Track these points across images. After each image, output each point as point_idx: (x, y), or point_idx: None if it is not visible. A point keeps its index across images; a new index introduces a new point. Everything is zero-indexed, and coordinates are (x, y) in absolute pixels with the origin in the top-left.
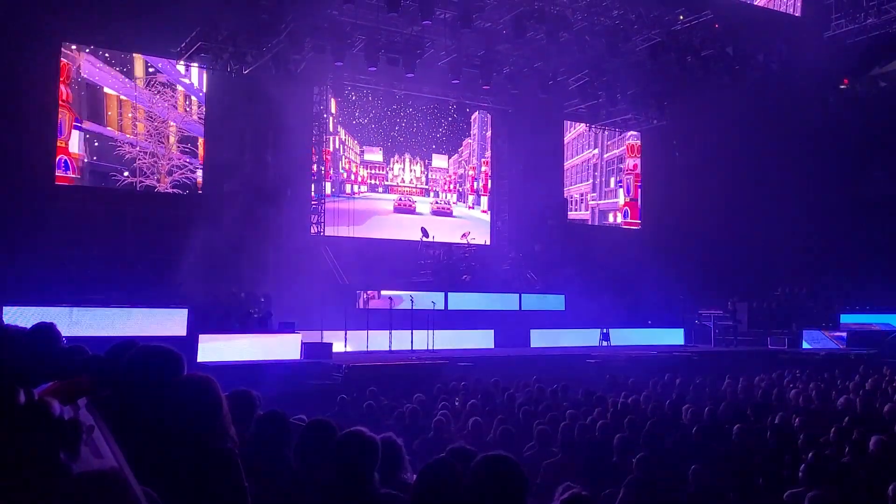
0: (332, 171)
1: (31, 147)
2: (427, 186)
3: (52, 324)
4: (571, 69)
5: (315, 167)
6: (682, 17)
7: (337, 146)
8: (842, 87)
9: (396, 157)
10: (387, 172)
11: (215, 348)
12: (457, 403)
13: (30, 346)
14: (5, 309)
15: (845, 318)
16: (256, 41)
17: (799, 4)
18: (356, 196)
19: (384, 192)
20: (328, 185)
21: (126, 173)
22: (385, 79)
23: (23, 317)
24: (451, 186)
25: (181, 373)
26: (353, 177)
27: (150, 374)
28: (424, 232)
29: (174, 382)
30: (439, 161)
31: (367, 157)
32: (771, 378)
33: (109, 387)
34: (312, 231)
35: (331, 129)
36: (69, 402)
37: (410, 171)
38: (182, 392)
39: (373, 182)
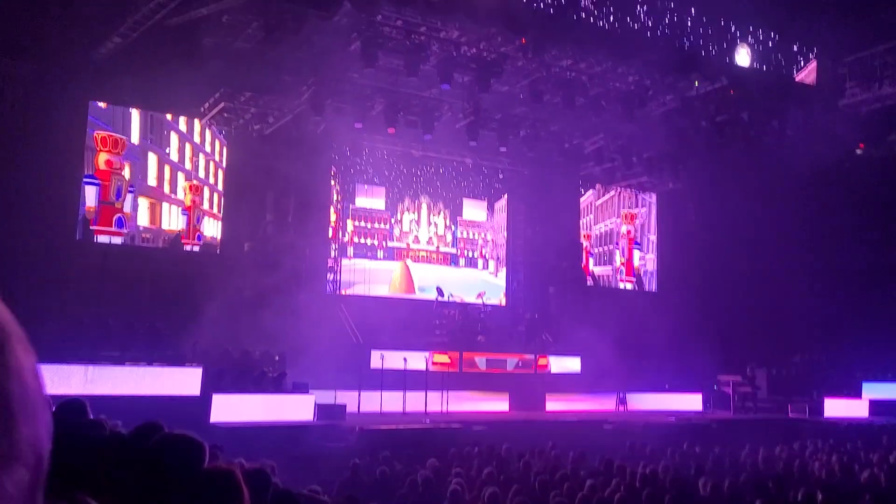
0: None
1: (52, 204)
2: (455, 250)
3: (83, 401)
4: (587, 132)
5: (332, 226)
6: (696, 84)
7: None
8: (858, 151)
9: (408, 202)
10: (392, 227)
11: (229, 408)
12: (476, 450)
13: (59, 420)
14: None
15: (868, 386)
16: (278, 102)
17: (813, 74)
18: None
19: (386, 257)
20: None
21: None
22: (402, 140)
23: None
24: (491, 250)
25: (203, 464)
26: (346, 236)
27: (176, 462)
28: (440, 291)
29: (198, 474)
30: (474, 211)
31: (361, 202)
32: (792, 448)
33: (134, 470)
34: (329, 290)
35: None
36: None
37: (430, 224)
38: (206, 486)
39: (368, 242)
